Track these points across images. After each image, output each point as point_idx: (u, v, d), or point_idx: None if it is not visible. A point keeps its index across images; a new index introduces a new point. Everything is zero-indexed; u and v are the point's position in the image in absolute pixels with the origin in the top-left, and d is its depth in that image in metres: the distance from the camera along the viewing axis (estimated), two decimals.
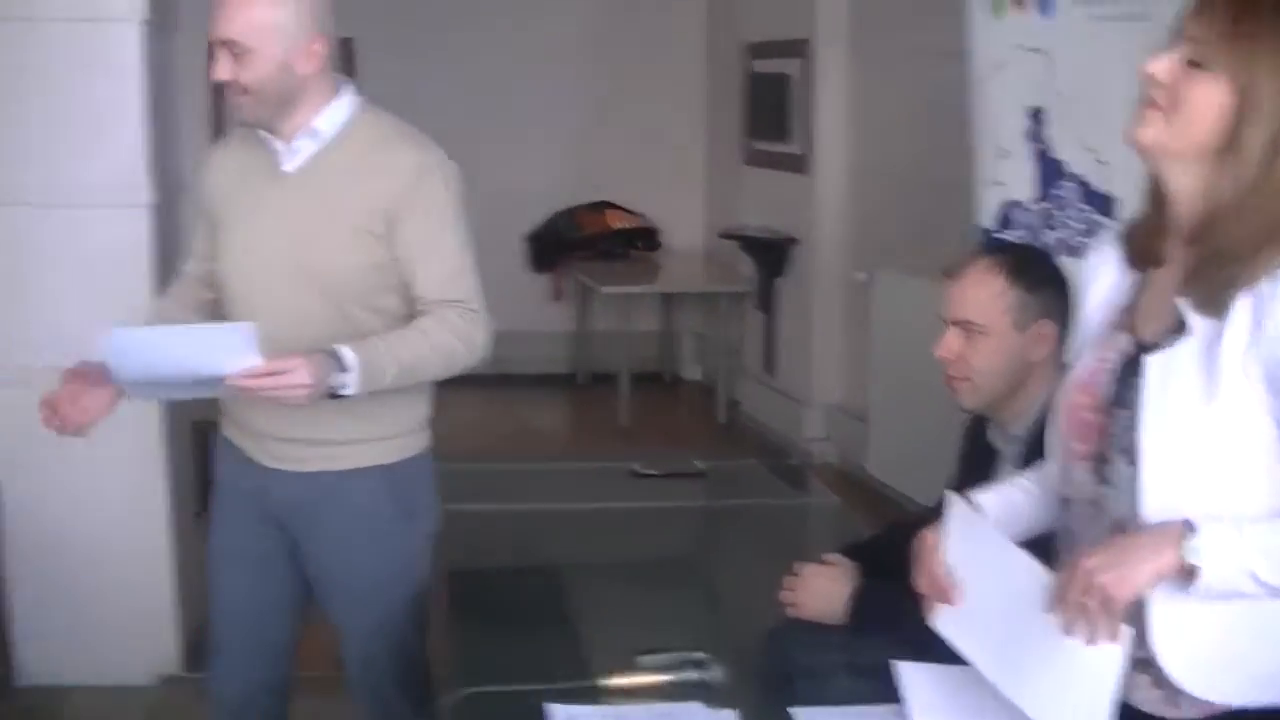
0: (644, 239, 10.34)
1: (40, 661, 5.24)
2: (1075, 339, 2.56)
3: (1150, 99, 2.24)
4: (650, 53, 10.37)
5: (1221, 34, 2.18)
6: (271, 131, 3.33)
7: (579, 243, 10.20)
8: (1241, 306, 2.18)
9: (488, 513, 3.92)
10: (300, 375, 3.01)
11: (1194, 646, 2.29)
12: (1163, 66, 2.22)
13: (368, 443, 3.42)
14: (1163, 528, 2.20)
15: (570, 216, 10.27)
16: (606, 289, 9.31)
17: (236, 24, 3.19)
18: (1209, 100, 2.19)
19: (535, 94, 10.21)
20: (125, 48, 4.89)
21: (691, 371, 10.55)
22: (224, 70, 3.22)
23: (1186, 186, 2.28)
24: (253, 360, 2.99)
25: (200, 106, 9.28)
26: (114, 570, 5.14)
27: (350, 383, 3.10)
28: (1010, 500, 2.63)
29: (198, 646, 5.30)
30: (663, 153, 10.44)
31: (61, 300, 4.91)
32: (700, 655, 2.84)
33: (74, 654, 5.18)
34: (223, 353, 3.02)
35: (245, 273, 3.38)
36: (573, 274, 10.19)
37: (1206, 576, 2.15)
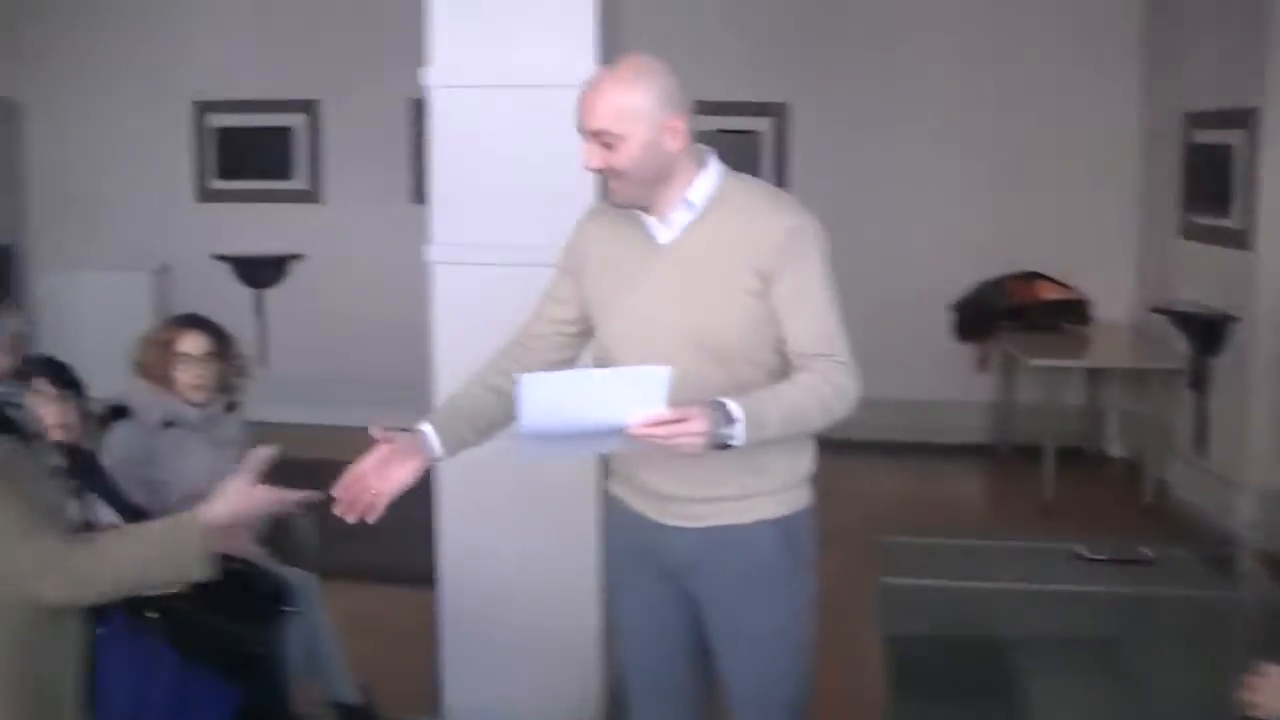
0: (1074, 311, 10.10)
1: (468, 701, 5.39)
2: None
3: None
4: (1084, 120, 10.19)
5: None
6: (647, 210, 3.53)
7: (1007, 312, 10.04)
8: None
9: (925, 587, 3.87)
10: (697, 424, 3.17)
11: None
12: None
13: (760, 496, 3.58)
14: None
15: (999, 286, 10.11)
16: (1034, 361, 9.12)
17: (602, 114, 3.41)
18: None
19: (966, 162, 10.17)
20: None
21: (1116, 448, 10.26)
22: (596, 159, 3.45)
23: None
24: (658, 407, 3.16)
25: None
26: (543, 620, 5.27)
27: (737, 434, 3.24)
28: None
29: (616, 698, 5.40)
30: (1095, 224, 10.23)
31: None
32: None
33: (499, 697, 5.30)
34: (634, 397, 3.18)
35: (634, 340, 3.55)
36: (999, 344, 10.04)
37: None
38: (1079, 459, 9.91)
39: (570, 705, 5.37)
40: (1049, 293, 10.08)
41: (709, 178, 3.54)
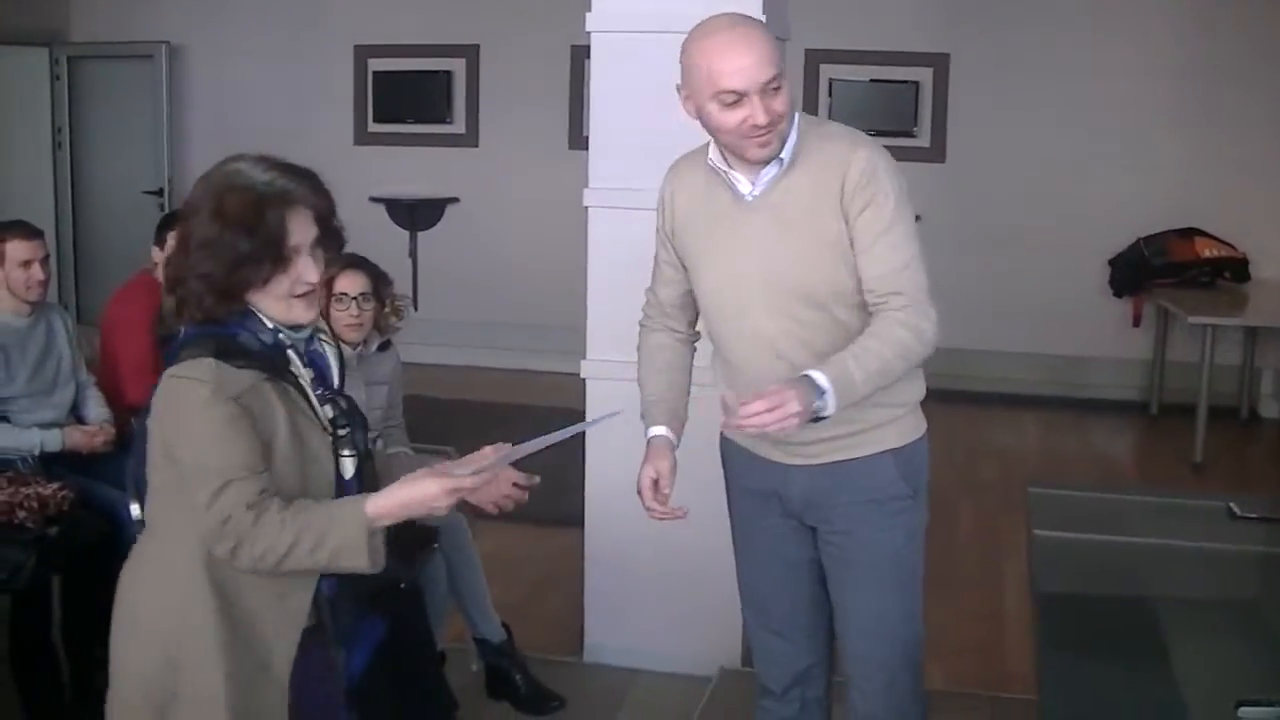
0: (1233, 269, 9.97)
1: (609, 642, 5.45)
2: None
3: None
4: (1252, 78, 10.04)
5: None
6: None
7: (1164, 269, 9.93)
8: None
9: (1077, 541, 3.84)
10: (792, 405, 3.21)
11: None
12: None
13: (875, 429, 3.64)
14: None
15: (1158, 242, 10.01)
16: (1191, 318, 9.00)
17: (771, 60, 3.40)
18: None
19: (1127, 116, 10.06)
20: None
21: (1270, 409, 10.12)
22: (767, 112, 3.39)
23: None
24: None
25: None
26: (685, 561, 5.31)
27: (829, 404, 3.30)
28: None
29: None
30: (1258, 181, 10.10)
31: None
32: None
33: (640, 638, 5.35)
34: None
35: (732, 296, 3.63)
36: (1155, 301, 9.92)
37: None
38: (1232, 419, 9.80)
39: (710, 646, 5.41)
40: (1207, 249, 9.97)
41: (793, 132, 3.53)
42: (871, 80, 10.14)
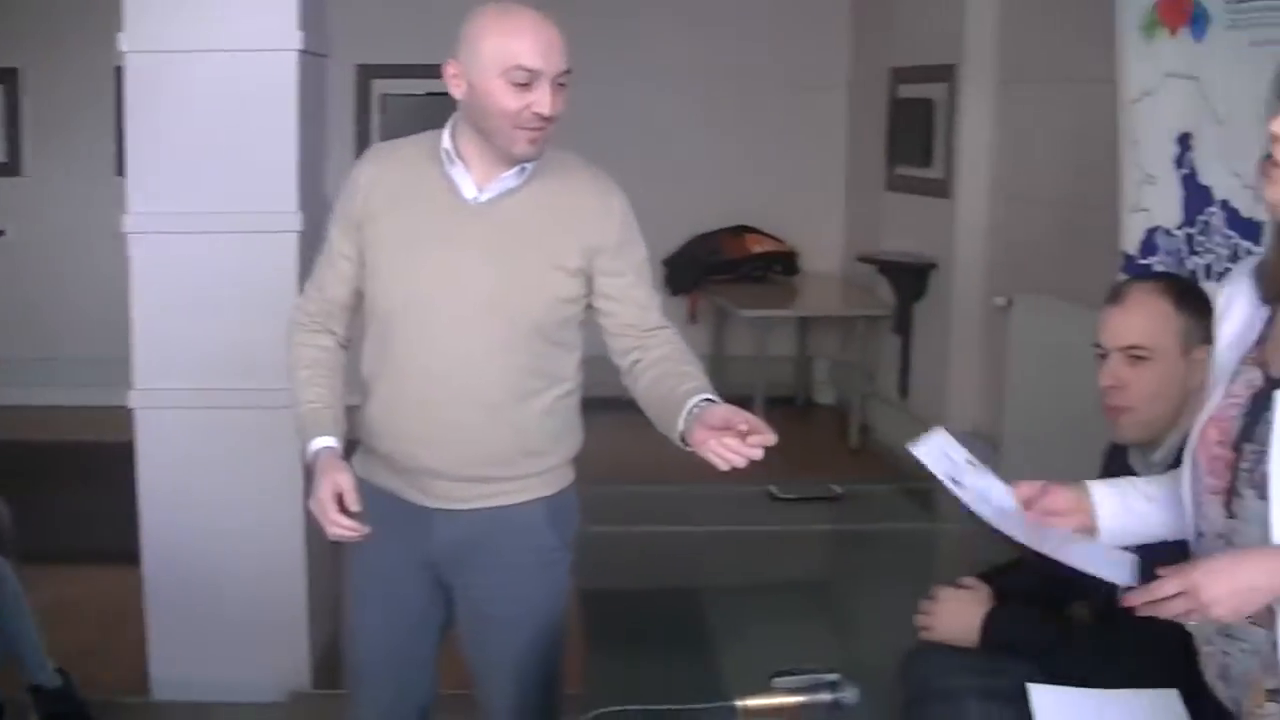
0: (783, 263, 10.33)
1: (176, 677, 5.32)
2: (1210, 372, 2.55)
3: (1276, 157, 2.22)
4: (793, 76, 10.36)
5: None
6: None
7: (718, 266, 10.21)
8: None
9: (623, 534, 3.92)
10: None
11: None
12: None
13: (537, 476, 3.43)
14: (1277, 550, 2.20)
15: (710, 240, 10.29)
16: (744, 312, 9.29)
17: (567, 54, 3.18)
18: None
19: (677, 117, 10.24)
20: (283, 77, 5.01)
21: (825, 395, 10.52)
22: (556, 102, 3.18)
23: None
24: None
25: (345, 131, 9.51)
26: (249, 588, 5.21)
27: None
28: (1127, 503, 2.65)
29: (325, 663, 5.40)
30: (804, 177, 10.44)
31: (216, 324, 5.04)
32: (834, 677, 2.82)
33: (208, 670, 5.25)
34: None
35: (423, 305, 3.30)
36: (710, 297, 10.20)
37: None
38: (789, 407, 10.13)
39: (280, 676, 5.34)
40: (758, 245, 10.28)
41: None
42: (427, 94, 10.12)
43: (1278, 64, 2.28)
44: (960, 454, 2.70)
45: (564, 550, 3.50)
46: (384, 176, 3.37)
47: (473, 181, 3.28)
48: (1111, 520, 2.63)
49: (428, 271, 3.28)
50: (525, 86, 3.13)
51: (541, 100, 3.14)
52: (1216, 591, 2.20)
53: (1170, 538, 2.65)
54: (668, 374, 3.29)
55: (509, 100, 3.14)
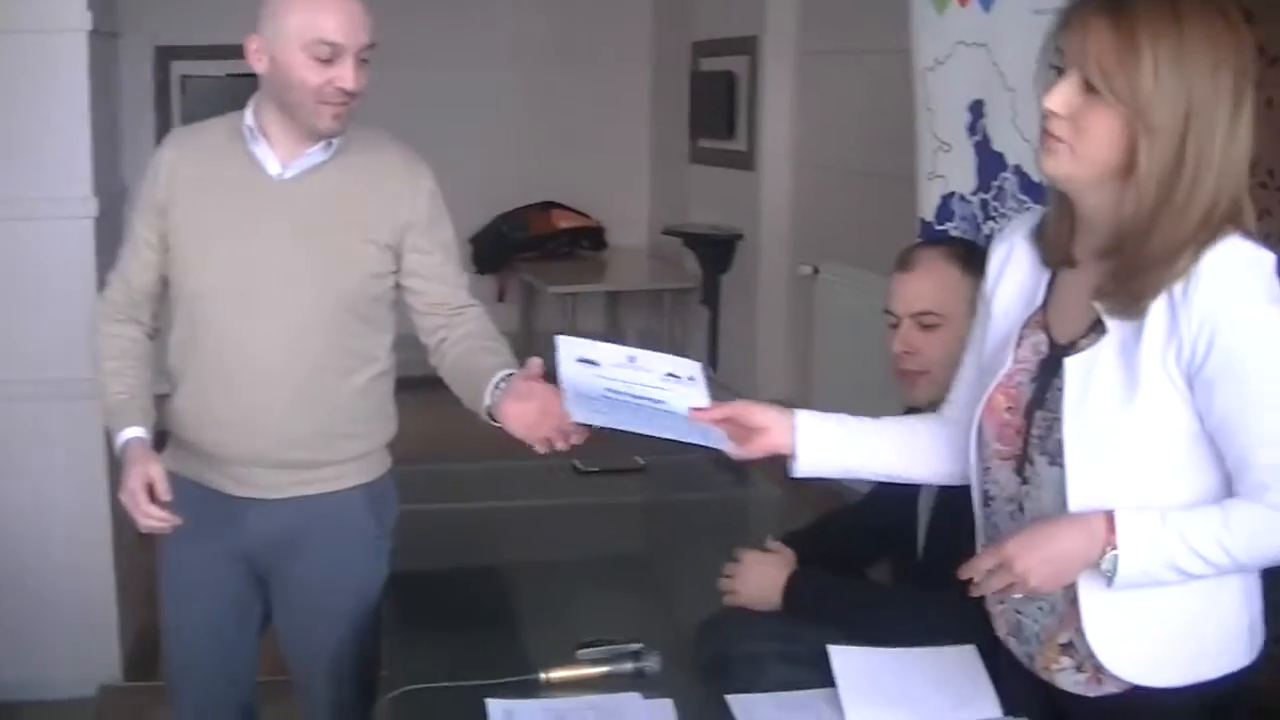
0: (590, 238, 10.36)
1: None
2: (987, 332, 2.58)
3: (1053, 131, 2.27)
4: (595, 51, 10.39)
5: (1105, 59, 2.21)
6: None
7: (525, 243, 10.21)
8: (1156, 308, 2.22)
9: (430, 513, 3.90)
10: None
11: (1124, 634, 2.35)
12: (1060, 99, 2.26)
13: (353, 461, 3.42)
14: (1085, 520, 2.25)
15: (516, 217, 10.27)
16: (553, 288, 9.30)
17: (371, 29, 3.17)
18: (1107, 126, 2.22)
19: (479, 94, 10.20)
20: (72, 58, 4.88)
21: None
22: (358, 78, 3.15)
23: (1096, 206, 2.33)
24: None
25: (144, 115, 9.32)
26: (54, 583, 5.11)
27: None
28: (838, 437, 2.69)
29: (138, 655, 5.31)
30: (609, 152, 10.49)
31: (9, 314, 4.95)
32: (637, 646, 2.84)
33: (15, 670, 5.13)
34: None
35: (236, 286, 3.25)
36: (518, 274, 10.19)
37: (1126, 570, 2.20)
38: None
39: (90, 670, 5.23)
40: (564, 221, 10.31)
41: None
42: (228, 75, 9.96)
43: (1044, 34, 2.31)
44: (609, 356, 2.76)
45: (384, 538, 3.49)
46: (186, 159, 3.32)
47: (277, 158, 3.25)
48: (813, 448, 2.65)
49: (236, 252, 3.24)
50: (328, 62, 3.10)
51: (345, 75, 3.12)
52: (1029, 562, 2.25)
53: (888, 479, 2.77)
54: (473, 350, 3.31)
55: (311, 75, 3.11)
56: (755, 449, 2.65)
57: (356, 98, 3.17)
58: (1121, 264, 2.26)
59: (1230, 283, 2.19)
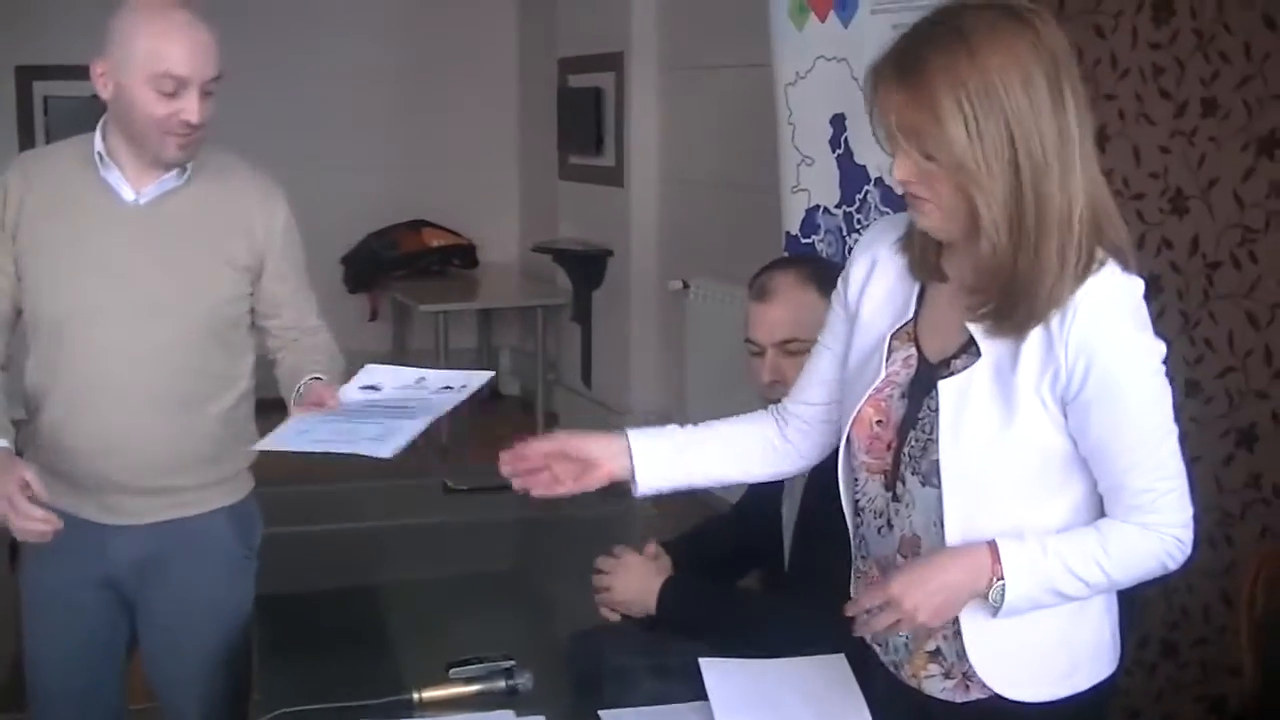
0: (461, 256, 10.32)
1: None
2: (850, 336, 2.58)
3: (913, 194, 2.28)
4: (462, 69, 10.39)
5: (906, 124, 2.20)
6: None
7: (396, 262, 10.14)
8: (1032, 335, 2.24)
9: (298, 535, 3.88)
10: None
11: (1001, 651, 2.38)
12: (902, 172, 2.25)
13: (217, 485, 3.42)
14: (969, 553, 2.28)
15: (386, 236, 10.21)
16: (424, 307, 9.24)
17: (217, 61, 3.16)
18: (946, 185, 2.22)
19: (346, 113, 10.13)
20: None
21: (510, 386, 10.53)
22: (202, 109, 3.14)
23: (965, 252, 2.32)
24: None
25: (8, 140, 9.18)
26: None
27: None
28: (677, 451, 2.69)
29: (7, 685, 5.20)
30: (477, 169, 10.47)
31: None
32: (509, 663, 2.84)
33: None
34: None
35: (89, 310, 3.23)
36: (389, 293, 10.13)
37: (1013, 598, 2.25)
38: (474, 399, 10.12)
39: None
40: (435, 239, 10.26)
41: None
42: (94, 96, 9.77)
43: (866, 67, 2.29)
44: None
45: (251, 558, 3.50)
46: (34, 185, 3.28)
47: (130, 184, 3.23)
48: (650, 468, 2.65)
49: (92, 277, 3.22)
50: (173, 94, 3.09)
51: (189, 108, 3.11)
52: (917, 598, 2.27)
53: (728, 483, 2.80)
54: (299, 359, 3.37)
55: (156, 107, 3.10)
56: (592, 482, 2.64)
57: (202, 129, 3.17)
58: (994, 296, 2.26)
59: (1105, 313, 2.22)
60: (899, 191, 2.32)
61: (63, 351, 3.26)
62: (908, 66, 2.19)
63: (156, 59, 3.07)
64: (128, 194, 3.24)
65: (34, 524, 2.96)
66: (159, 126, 3.11)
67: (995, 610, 2.27)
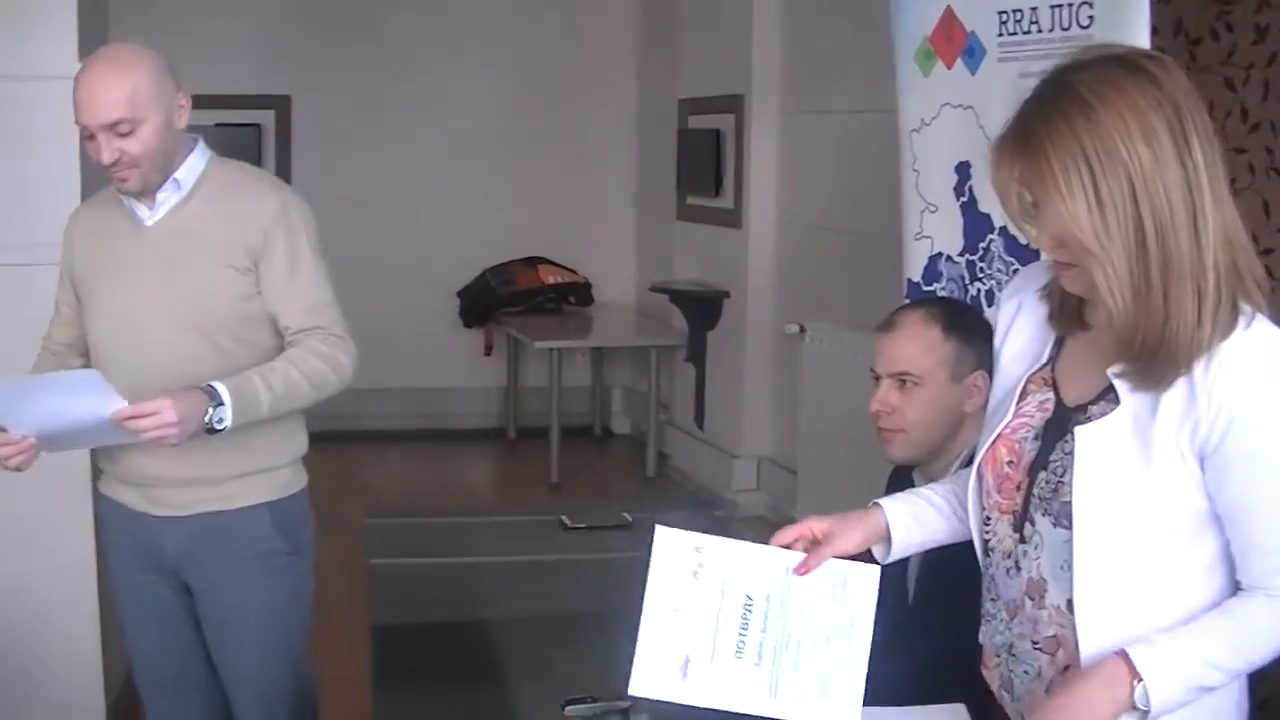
0: (576, 293, 10.36)
1: None
2: (993, 382, 2.58)
3: (1058, 260, 2.27)
4: (584, 108, 10.47)
5: (1026, 192, 2.22)
6: (150, 194, 3.48)
7: (511, 298, 10.19)
8: (1175, 384, 2.21)
9: (417, 567, 3.91)
10: (167, 414, 3.16)
11: None
12: (1042, 244, 2.27)
13: (250, 477, 3.56)
14: (1100, 666, 2.25)
15: (503, 271, 10.26)
16: (538, 344, 9.27)
17: (116, 103, 3.33)
18: (1081, 270, 2.22)
19: (469, 149, 10.22)
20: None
21: (622, 425, 10.56)
22: (110, 152, 3.35)
23: (1106, 315, 2.28)
24: (117, 403, 3.15)
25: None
26: (42, 629, 5.07)
27: (226, 416, 3.27)
28: (916, 513, 2.67)
29: (122, 702, 5.27)
30: (596, 208, 10.53)
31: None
32: (626, 704, 2.83)
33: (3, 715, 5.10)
34: (81, 398, 3.18)
35: (119, 326, 3.51)
36: (504, 329, 10.17)
37: (1158, 699, 2.21)
38: (586, 437, 10.16)
39: (77, 715, 5.20)
40: (551, 276, 10.29)
41: (197, 158, 3.53)
42: (216, 125, 9.99)
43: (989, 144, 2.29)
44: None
45: (295, 556, 3.66)
46: (81, 223, 3.69)
47: (145, 206, 3.50)
48: (905, 535, 2.65)
49: (119, 297, 3.51)
50: (92, 138, 3.36)
51: (97, 151, 3.37)
52: None
53: (950, 541, 2.70)
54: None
55: (89, 148, 3.40)
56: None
57: (139, 162, 3.38)
58: (1131, 354, 2.24)
59: (1251, 370, 2.19)
60: (1023, 241, 2.31)
61: (105, 367, 3.44)
62: (1024, 138, 2.19)
63: (75, 110, 3.36)
64: (144, 215, 3.52)
65: (8, 449, 3.28)
66: (99, 165, 3.40)
67: (1145, 714, 2.23)
